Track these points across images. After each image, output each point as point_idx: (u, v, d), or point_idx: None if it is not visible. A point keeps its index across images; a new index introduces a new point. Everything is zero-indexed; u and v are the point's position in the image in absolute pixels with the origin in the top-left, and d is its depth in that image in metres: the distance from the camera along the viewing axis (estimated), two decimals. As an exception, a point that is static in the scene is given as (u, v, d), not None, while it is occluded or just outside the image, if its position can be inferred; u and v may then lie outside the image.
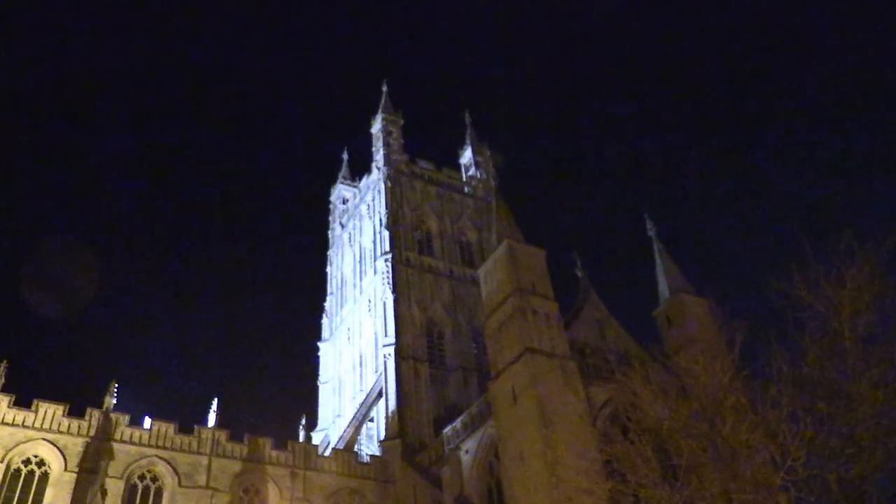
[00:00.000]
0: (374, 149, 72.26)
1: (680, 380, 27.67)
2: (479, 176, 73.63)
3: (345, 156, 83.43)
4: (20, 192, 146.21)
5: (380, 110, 73.71)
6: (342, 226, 75.56)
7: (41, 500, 39.05)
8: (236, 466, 44.61)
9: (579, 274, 47.79)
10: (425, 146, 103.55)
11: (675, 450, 25.20)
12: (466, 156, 76.36)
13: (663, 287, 47.74)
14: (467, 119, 78.77)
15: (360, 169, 77.78)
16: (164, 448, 43.26)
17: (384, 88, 76.15)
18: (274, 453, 46.28)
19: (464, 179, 74.14)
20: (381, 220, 64.78)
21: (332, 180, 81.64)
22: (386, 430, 52.20)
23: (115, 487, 40.24)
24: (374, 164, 71.14)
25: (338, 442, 56.88)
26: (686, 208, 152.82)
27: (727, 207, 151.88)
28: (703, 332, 40.96)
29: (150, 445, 42.98)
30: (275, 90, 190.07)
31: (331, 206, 79.57)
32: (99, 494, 36.90)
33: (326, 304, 71.96)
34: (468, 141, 77.07)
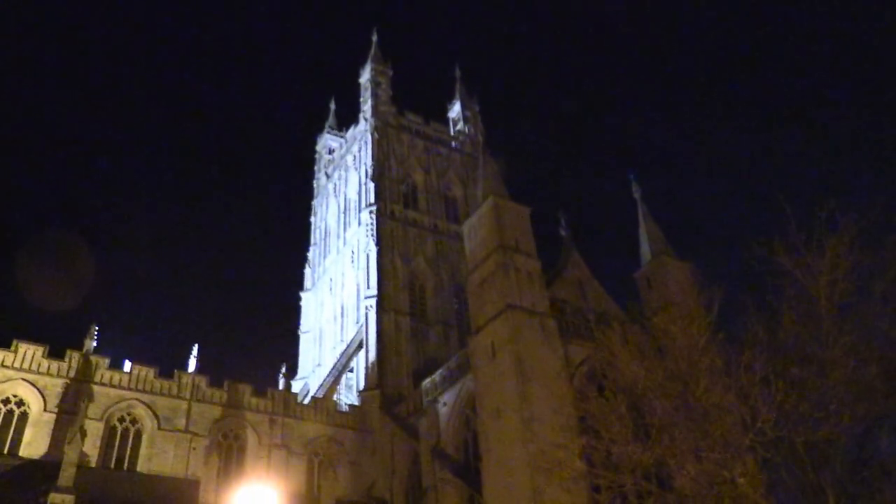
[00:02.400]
0: (361, 99, 71.40)
1: (657, 341, 27.97)
2: (467, 131, 73.10)
3: (332, 105, 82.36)
4: None
5: (369, 60, 72.59)
6: (328, 176, 74.98)
7: (20, 440, 39.32)
8: (216, 412, 44.99)
9: (563, 233, 47.90)
10: (414, 98, 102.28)
11: (649, 409, 25.62)
12: (455, 110, 75.69)
13: (645, 249, 47.97)
14: (457, 73, 77.91)
15: (347, 119, 76.99)
16: (144, 391, 43.49)
17: (374, 38, 74.87)
18: (254, 400, 46.70)
19: (451, 134, 73.58)
20: (367, 171, 64.36)
21: (319, 129, 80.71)
22: (365, 380, 52.70)
23: (94, 428, 40.50)
24: (361, 115, 70.38)
25: (317, 391, 57.40)
26: (672, 172, 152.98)
27: (712, 172, 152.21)
28: (683, 295, 41.32)
29: (129, 388, 43.19)
30: (264, 36, 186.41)
31: (317, 156, 78.79)
32: (78, 435, 37.08)
33: (309, 254, 71.79)
34: (457, 95, 76.29)
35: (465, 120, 74.08)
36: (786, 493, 22.58)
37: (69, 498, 32.38)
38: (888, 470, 21.09)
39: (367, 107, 69.51)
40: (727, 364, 23.45)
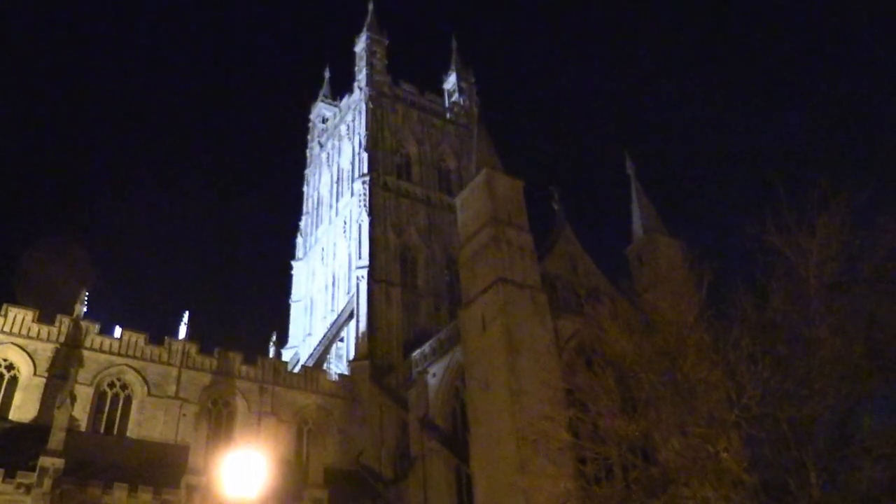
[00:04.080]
0: (356, 68, 70.74)
1: (646, 316, 28.10)
2: (462, 102, 72.64)
3: (327, 74, 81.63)
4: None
5: (364, 29, 71.84)
6: (321, 145, 74.50)
7: (10, 403, 39.45)
8: (206, 379, 45.15)
9: (556, 208, 47.88)
10: (409, 69, 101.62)
11: (636, 383, 25.78)
12: (450, 81, 75.12)
13: (637, 226, 48.07)
14: (454, 44, 77.18)
15: (341, 88, 76.34)
16: (135, 357, 43.58)
17: (370, 6, 74.03)
18: (244, 368, 46.86)
19: (446, 105, 73.10)
20: (360, 141, 64.00)
21: (313, 98, 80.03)
22: (355, 350, 52.90)
23: (84, 393, 40.66)
24: (356, 84, 69.79)
25: (307, 360, 57.60)
26: (666, 148, 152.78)
27: (706, 149, 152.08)
28: (673, 272, 41.38)
29: (120, 354, 43.26)
30: (259, 3, 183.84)
31: (310, 125, 78.17)
32: (68, 399, 37.20)
33: (301, 224, 71.54)
34: (453, 66, 75.65)
35: (461, 91, 73.58)
36: (768, 469, 22.86)
37: (59, 461, 32.53)
38: (869, 448, 21.33)
39: (361, 76, 68.93)
40: (715, 341, 23.56)
